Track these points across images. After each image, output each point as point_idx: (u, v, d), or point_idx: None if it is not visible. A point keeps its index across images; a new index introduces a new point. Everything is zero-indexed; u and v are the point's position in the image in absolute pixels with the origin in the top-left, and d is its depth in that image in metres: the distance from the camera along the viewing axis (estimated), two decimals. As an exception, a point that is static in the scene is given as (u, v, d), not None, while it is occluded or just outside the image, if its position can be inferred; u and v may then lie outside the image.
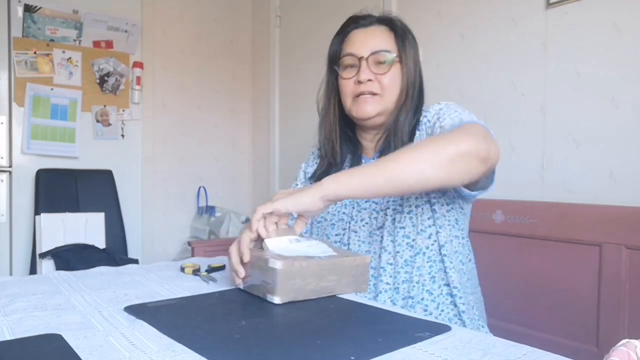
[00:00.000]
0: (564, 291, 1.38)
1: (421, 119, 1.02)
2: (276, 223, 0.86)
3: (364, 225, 1.04)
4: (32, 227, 2.37)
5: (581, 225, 1.34)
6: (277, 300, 0.78)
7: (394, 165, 0.80)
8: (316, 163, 1.16)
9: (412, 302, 0.97)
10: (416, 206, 0.99)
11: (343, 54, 1.04)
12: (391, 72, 1.01)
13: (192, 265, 1.07)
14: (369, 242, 1.03)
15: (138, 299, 0.82)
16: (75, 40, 2.55)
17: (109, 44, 2.65)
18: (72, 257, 2.16)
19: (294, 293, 0.79)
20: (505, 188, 1.61)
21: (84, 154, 2.57)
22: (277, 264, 0.77)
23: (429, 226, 0.98)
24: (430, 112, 1.00)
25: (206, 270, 1.06)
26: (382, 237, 1.00)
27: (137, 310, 0.74)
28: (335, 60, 1.07)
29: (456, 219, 1.01)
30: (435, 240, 0.98)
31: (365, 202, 1.05)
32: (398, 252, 0.98)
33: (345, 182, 0.81)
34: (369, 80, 1.00)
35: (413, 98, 1.02)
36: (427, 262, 0.98)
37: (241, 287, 0.86)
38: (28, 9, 2.41)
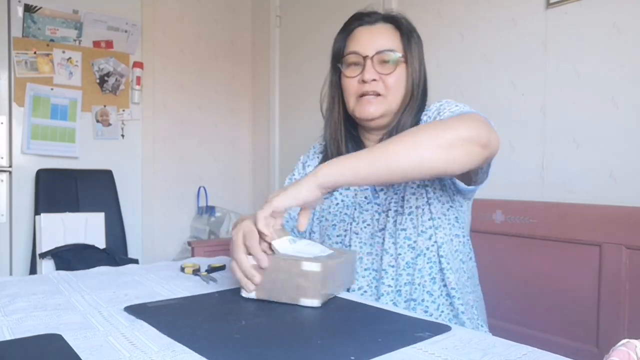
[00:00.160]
0: (564, 291, 1.38)
1: (422, 117, 1.01)
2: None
3: (365, 227, 1.03)
4: (32, 227, 2.37)
5: (581, 225, 1.34)
6: (316, 303, 0.76)
7: (392, 150, 0.77)
8: (317, 157, 1.14)
9: (414, 304, 0.97)
10: (417, 207, 0.99)
11: (347, 51, 1.02)
12: (396, 72, 0.99)
13: (192, 265, 1.07)
14: (371, 244, 1.02)
15: (138, 299, 0.82)
16: (75, 40, 2.55)
17: (109, 44, 2.65)
18: (72, 257, 2.16)
19: (326, 294, 0.79)
20: (505, 188, 1.61)
21: (84, 154, 2.57)
22: (316, 266, 0.75)
23: (430, 227, 0.98)
24: (431, 110, 0.99)
25: (206, 270, 1.06)
26: (383, 239, 1.00)
27: (137, 310, 0.74)
28: (338, 58, 1.05)
29: (456, 217, 1.01)
30: (435, 241, 0.98)
31: (367, 203, 1.04)
32: (400, 254, 0.98)
33: (341, 168, 0.77)
34: (374, 80, 0.98)
35: (417, 99, 1.01)
36: (428, 263, 0.98)
37: (253, 296, 0.79)
38: (28, 9, 2.41)
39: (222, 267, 1.09)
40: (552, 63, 1.57)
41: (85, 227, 2.36)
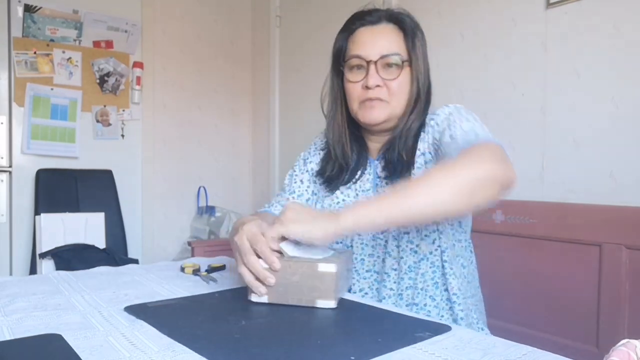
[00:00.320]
0: (564, 291, 1.38)
1: (427, 120, 0.99)
2: None
3: None
4: (32, 227, 2.37)
5: (581, 225, 1.34)
6: (332, 304, 0.76)
7: (413, 197, 0.75)
8: (318, 154, 1.12)
9: (416, 308, 0.97)
10: None
11: (350, 55, 0.99)
12: (400, 77, 0.97)
13: (192, 265, 1.07)
14: (373, 246, 1.01)
15: (138, 299, 0.82)
16: (75, 40, 2.55)
17: (109, 44, 2.65)
18: (72, 257, 2.16)
19: (340, 295, 0.79)
20: (505, 188, 1.61)
21: (84, 154, 2.57)
22: (332, 267, 0.75)
23: (433, 231, 0.97)
24: (439, 116, 0.97)
25: (206, 270, 1.06)
26: (386, 241, 0.99)
27: (137, 310, 0.74)
28: (340, 58, 1.02)
29: (459, 222, 1.00)
30: (438, 246, 0.97)
31: None
32: (402, 257, 0.97)
33: (363, 216, 0.75)
34: (378, 86, 0.96)
35: (423, 101, 0.99)
36: (431, 267, 0.97)
37: (265, 300, 0.78)
38: (28, 9, 2.41)
39: (222, 267, 1.09)
40: (552, 63, 1.57)
41: (85, 227, 2.36)
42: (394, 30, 0.99)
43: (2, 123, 2.36)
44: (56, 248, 2.20)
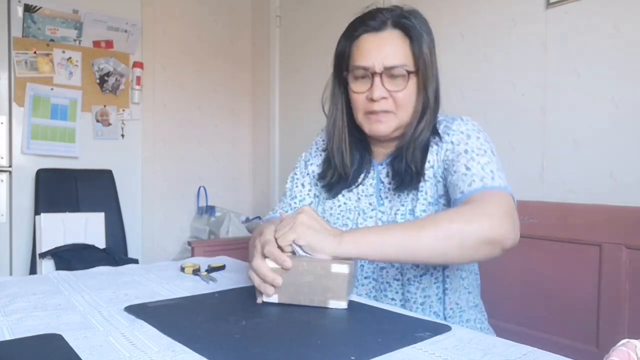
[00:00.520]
0: (564, 291, 1.38)
1: (441, 132, 0.95)
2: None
3: None
4: (32, 227, 2.37)
5: (581, 225, 1.34)
6: (344, 305, 0.76)
7: (418, 242, 0.76)
8: (319, 155, 1.10)
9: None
10: None
11: (354, 65, 0.95)
12: (407, 88, 0.93)
13: (192, 265, 1.07)
14: None
15: (138, 299, 0.82)
16: (75, 40, 2.55)
17: (109, 44, 2.65)
18: (72, 257, 2.16)
19: (350, 296, 0.79)
20: (505, 188, 1.61)
21: (84, 154, 2.57)
22: (344, 268, 0.74)
23: None
24: (454, 133, 0.93)
25: (206, 270, 1.06)
26: None
27: (137, 310, 0.74)
28: (342, 64, 0.98)
29: None
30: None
31: (372, 210, 1.00)
32: (405, 267, 0.96)
33: (365, 246, 0.76)
34: (383, 98, 0.92)
35: (430, 109, 0.95)
36: (435, 283, 0.96)
37: (275, 300, 0.77)
38: (28, 9, 2.41)
39: (222, 267, 1.09)
40: (552, 63, 1.57)
41: (85, 227, 2.36)
42: (399, 37, 0.94)
43: (2, 123, 2.36)
44: (56, 248, 2.20)
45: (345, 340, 0.64)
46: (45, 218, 2.27)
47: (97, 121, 2.63)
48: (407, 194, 0.96)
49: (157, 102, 2.81)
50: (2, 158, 2.37)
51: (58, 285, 0.93)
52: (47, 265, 2.18)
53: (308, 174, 1.10)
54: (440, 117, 0.99)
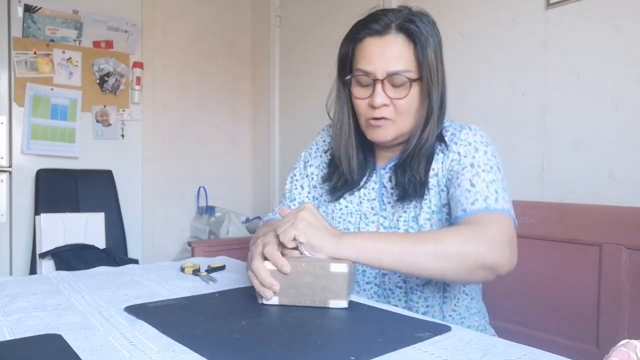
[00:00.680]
0: (564, 291, 1.38)
1: (447, 139, 0.94)
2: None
3: None
4: (32, 227, 2.37)
5: (581, 225, 1.34)
6: (344, 304, 0.76)
7: (418, 254, 0.77)
8: (320, 157, 1.09)
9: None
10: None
11: (356, 68, 0.93)
12: (409, 95, 0.91)
13: (192, 265, 1.07)
14: None
15: (138, 299, 0.82)
16: (75, 40, 2.55)
17: (109, 44, 2.65)
18: (72, 257, 2.16)
19: (350, 296, 0.79)
20: (505, 188, 1.61)
21: (84, 154, 2.57)
22: (343, 267, 0.75)
23: None
24: (462, 143, 0.92)
25: (206, 270, 1.06)
26: None
27: (137, 310, 0.74)
28: (345, 67, 0.97)
29: None
30: None
31: (374, 214, 1.00)
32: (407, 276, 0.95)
33: (363, 253, 0.77)
34: (384, 105, 0.91)
35: (435, 117, 0.93)
36: (438, 292, 0.96)
37: (275, 301, 0.77)
38: (28, 9, 2.41)
39: (222, 267, 1.09)
40: (552, 63, 1.57)
41: (85, 227, 2.36)
42: (403, 42, 0.91)
43: (2, 123, 2.36)
44: (56, 248, 2.20)
45: (345, 340, 0.64)
46: (45, 218, 2.27)
47: (97, 121, 2.63)
48: (410, 201, 0.96)
49: (157, 102, 2.81)
50: (2, 158, 2.37)
51: (58, 285, 0.93)
52: (47, 266, 2.18)
53: (307, 176, 1.09)
54: (446, 123, 0.97)
